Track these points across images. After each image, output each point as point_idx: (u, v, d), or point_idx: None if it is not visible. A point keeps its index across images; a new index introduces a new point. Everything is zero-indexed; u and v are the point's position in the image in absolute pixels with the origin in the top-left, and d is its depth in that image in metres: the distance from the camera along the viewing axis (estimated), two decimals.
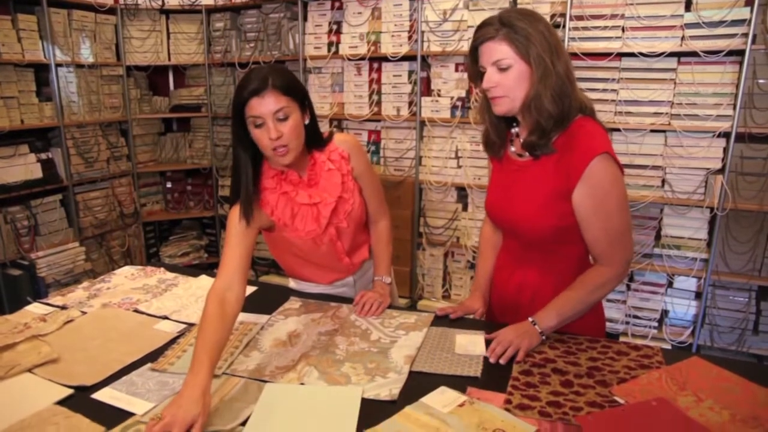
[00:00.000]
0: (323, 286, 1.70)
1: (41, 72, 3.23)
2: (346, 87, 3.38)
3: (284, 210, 1.48)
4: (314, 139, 1.49)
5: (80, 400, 1.14)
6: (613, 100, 2.73)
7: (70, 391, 1.16)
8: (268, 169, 1.48)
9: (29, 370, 1.24)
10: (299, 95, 1.37)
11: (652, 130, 2.69)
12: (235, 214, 1.40)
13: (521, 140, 1.36)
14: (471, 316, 1.52)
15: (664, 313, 2.89)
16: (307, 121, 1.42)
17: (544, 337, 1.32)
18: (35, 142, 3.23)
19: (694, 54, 2.55)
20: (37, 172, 3.19)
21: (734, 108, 2.52)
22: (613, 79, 2.71)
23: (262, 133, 1.33)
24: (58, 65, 3.25)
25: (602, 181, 1.25)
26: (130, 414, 1.09)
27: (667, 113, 2.66)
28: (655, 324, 2.88)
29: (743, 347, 2.74)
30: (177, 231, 4.18)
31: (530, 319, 1.33)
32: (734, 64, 2.50)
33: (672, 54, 2.59)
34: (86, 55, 3.45)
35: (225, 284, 1.30)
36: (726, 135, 2.57)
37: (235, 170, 1.42)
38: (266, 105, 1.30)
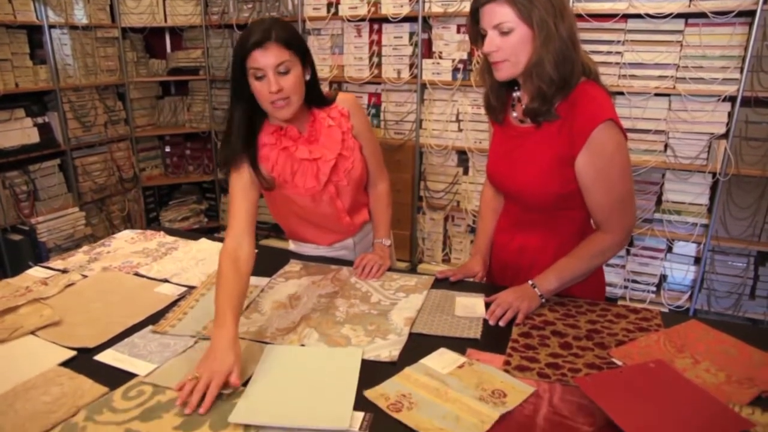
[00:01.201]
0: (323, 248, 1.70)
1: (34, 34, 3.16)
2: (346, 49, 3.32)
3: (284, 166, 1.48)
4: (315, 96, 1.48)
5: (83, 361, 1.15)
6: (618, 63, 2.69)
7: (73, 353, 1.17)
8: (267, 126, 1.48)
9: (32, 333, 1.25)
10: (301, 50, 1.37)
11: (656, 94, 2.65)
12: (237, 175, 1.42)
13: (523, 106, 1.34)
14: (471, 279, 1.53)
15: (663, 277, 2.91)
16: (307, 77, 1.42)
17: (543, 300, 1.33)
18: (31, 106, 3.19)
19: (702, 15, 2.49)
20: (34, 137, 3.16)
21: (741, 71, 2.48)
22: (618, 41, 2.65)
23: (262, 86, 1.33)
24: (51, 27, 3.18)
25: (606, 148, 1.24)
26: (133, 375, 1.10)
27: (672, 76, 2.62)
28: (654, 288, 2.91)
29: (739, 311, 2.77)
30: (176, 195, 4.17)
31: (530, 282, 1.34)
32: (744, 26, 2.45)
33: (679, 15, 2.52)
34: (80, 16, 3.37)
35: (235, 243, 1.33)
36: (731, 99, 2.53)
37: (230, 125, 1.42)
38: (268, 57, 1.30)
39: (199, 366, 1.05)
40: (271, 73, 1.31)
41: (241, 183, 1.41)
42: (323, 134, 1.50)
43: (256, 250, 1.71)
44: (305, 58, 1.39)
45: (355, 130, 1.56)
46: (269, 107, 1.37)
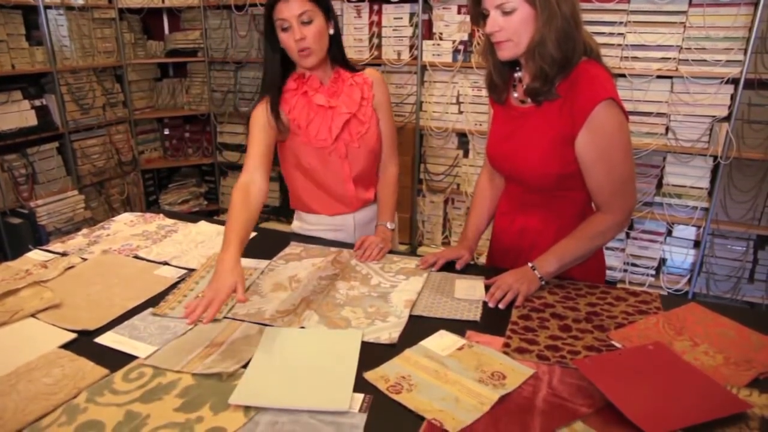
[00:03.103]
0: (324, 222, 1.71)
1: (30, 15, 3.12)
2: (345, 30, 3.28)
3: (301, 111, 1.57)
4: (338, 52, 1.58)
5: (84, 344, 1.16)
6: (620, 45, 2.66)
7: (74, 335, 1.17)
8: (293, 74, 1.59)
9: (32, 315, 1.25)
10: (323, 2, 1.48)
11: (659, 76, 2.63)
12: (256, 112, 1.51)
13: (524, 86, 1.33)
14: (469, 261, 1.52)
15: (662, 261, 2.91)
16: (331, 31, 1.52)
17: (543, 282, 1.33)
18: (28, 88, 3.16)
19: None
20: (31, 119, 3.14)
21: (745, 53, 2.45)
22: (621, 23, 2.62)
23: (288, 37, 1.45)
24: (47, 7, 3.13)
25: (606, 127, 1.23)
26: (133, 357, 1.10)
27: (674, 58, 2.59)
28: (653, 272, 2.91)
29: (738, 295, 2.78)
30: (176, 178, 4.16)
31: (530, 264, 1.33)
32: (749, 6, 2.42)
33: None
34: None
35: (248, 178, 1.43)
36: (734, 81, 2.51)
37: (265, 69, 1.56)
38: (291, 9, 1.42)
39: (206, 288, 1.15)
40: (295, 23, 1.42)
41: (260, 122, 1.50)
42: (344, 91, 1.58)
43: (256, 233, 1.73)
44: (328, 13, 1.49)
45: (375, 101, 1.63)
46: (297, 56, 1.48)
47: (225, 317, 1.25)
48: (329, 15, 1.50)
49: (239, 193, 1.38)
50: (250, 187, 1.40)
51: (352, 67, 1.63)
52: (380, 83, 1.64)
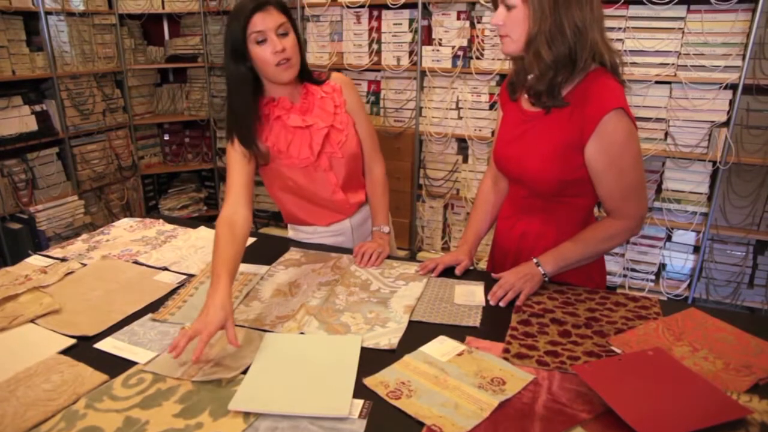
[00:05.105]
0: (321, 230, 1.70)
1: (31, 20, 3.14)
2: (345, 36, 3.30)
3: (278, 136, 1.53)
4: (304, 67, 1.53)
5: (83, 349, 1.15)
6: (618, 51, 2.66)
7: (73, 341, 1.17)
8: (260, 99, 1.53)
9: (32, 321, 1.25)
10: (291, 17, 1.46)
11: (657, 82, 2.64)
12: (232, 148, 1.47)
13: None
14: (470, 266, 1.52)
15: (662, 266, 2.91)
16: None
17: (546, 279, 1.33)
18: (28, 94, 3.17)
19: (704, 1, 2.47)
20: (32, 125, 3.15)
21: (743, 59, 2.46)
22: (620, 28, 2.63)
23: (264, 50, 1.39)
24: (47, 13, 3.15)
25: (615, 137, 1.24)
26: (133, 363, 1.10)
27: (673, 64, 2.60)
28: (652, 277, 2.91)
29: (737, 300, 2.78)
30: (176, 184, 4.17)
31: (534, 260, 1.34)
32: (746, 12, 2.43)
33: (681, 1, 2.50)
34: (77, 2, 3.35)
35: (231, 210, 1.39)
36: (733, 87, 2.52)
37: (232, 101, 1.46)
38: (269, 20, 1.37)
39: (195, 321, 1.11)
40: (273, 34, 1.38)
41: (237, 156, 1.46)
42: (316, 105, 1.55)
43: (255, 238, 1.73)
44: (296, 29, 1.47)
45: (348, 106, 1.60)
46: (274, 70, 1.41)
47: None
48: (296, 30, 1.46)
49: (224, 227, 1.32)
50: (234, 219, 1.36)
51: (317, 79, 1.58)
52: (349, 86, 1.61)
